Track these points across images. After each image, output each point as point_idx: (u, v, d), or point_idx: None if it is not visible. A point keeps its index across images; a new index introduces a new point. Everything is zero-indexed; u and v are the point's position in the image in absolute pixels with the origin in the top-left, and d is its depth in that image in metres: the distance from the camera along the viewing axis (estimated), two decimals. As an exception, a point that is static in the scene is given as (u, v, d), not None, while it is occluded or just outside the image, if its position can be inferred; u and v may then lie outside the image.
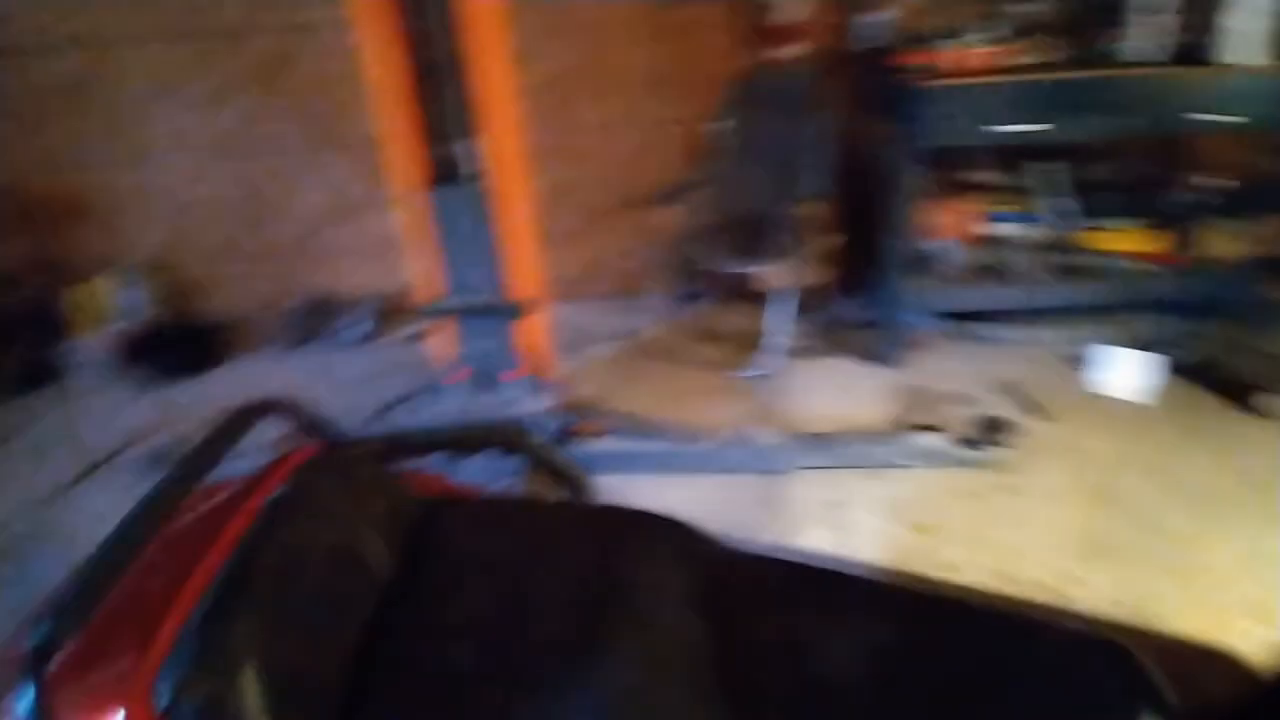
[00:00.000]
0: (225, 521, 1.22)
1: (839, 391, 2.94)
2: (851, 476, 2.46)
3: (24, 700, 0.86)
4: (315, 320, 3.74)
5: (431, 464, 2.08)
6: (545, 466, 1.92)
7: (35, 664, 0.87)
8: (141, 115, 3.49)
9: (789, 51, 3.24)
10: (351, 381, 3.34)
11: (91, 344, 3.54)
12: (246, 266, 3.80)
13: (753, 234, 2.98)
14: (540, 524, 1.57)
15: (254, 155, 3.59)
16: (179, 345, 3.60)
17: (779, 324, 2.96)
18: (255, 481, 1.35)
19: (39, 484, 2.86)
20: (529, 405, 2.58)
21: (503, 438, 1.96)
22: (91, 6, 3.29)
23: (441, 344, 2.74)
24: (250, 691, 0.97)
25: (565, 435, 2.62)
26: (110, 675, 1.02)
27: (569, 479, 1.85)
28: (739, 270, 2.98)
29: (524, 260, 2.55)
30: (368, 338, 3.72)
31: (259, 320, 3.84)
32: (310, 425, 1.51)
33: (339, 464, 1.43)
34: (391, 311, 3.78)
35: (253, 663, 1.00)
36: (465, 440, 2.03)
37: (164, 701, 0.94)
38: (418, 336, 3.50)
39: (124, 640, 1.05)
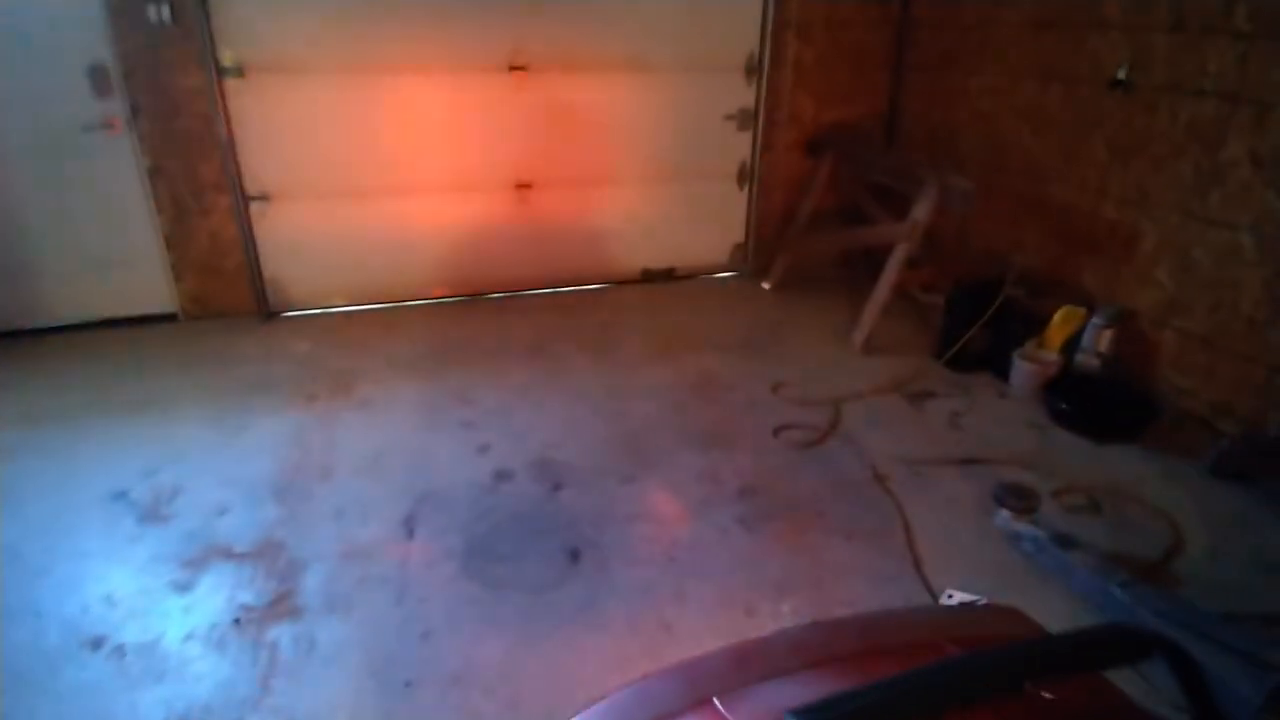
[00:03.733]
0: None
1: None
2: None
3: None
4: (1252, 459, 3.02)
5: None
6: None
7: None
8: (1226, 178, 3.19)
9: None
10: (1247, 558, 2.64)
11: (1036, 359, 3.68)
12: (1229, 363, 3.27)
13: None
14: None
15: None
16: (1102, 400, 3.42)
17: None
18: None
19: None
20: None
21: None
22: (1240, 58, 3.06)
23: None
24: None
25: None
26: None
27: None
28: None
29: None
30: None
31: (1201, 418, 3.34)
32: (1200, 698, 0.97)
33: None
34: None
35: None
36: None
37: None
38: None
39: None
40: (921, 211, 4.04)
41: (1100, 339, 3.55)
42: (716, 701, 0.97)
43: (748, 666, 1.08)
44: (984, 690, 0.86)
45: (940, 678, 0.84)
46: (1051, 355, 3.67)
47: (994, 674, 0.87)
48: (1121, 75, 3.58)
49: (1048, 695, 0.96)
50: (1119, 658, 0.92)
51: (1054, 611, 1.92)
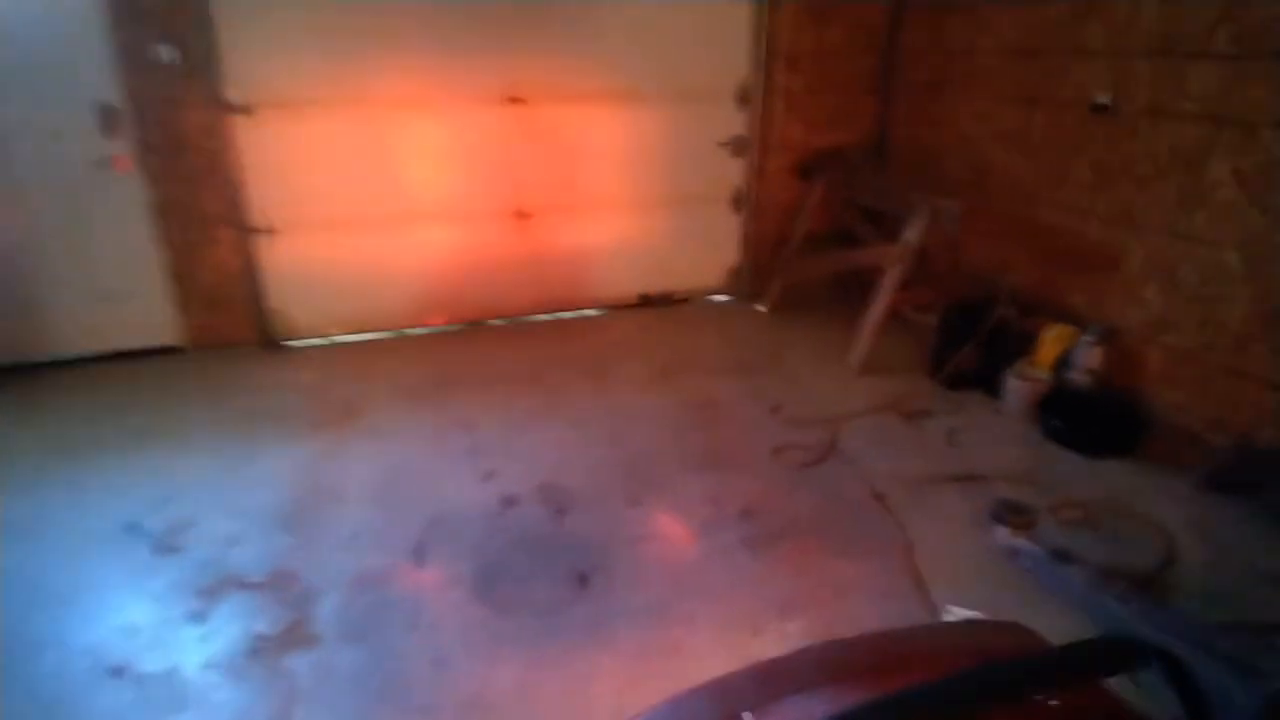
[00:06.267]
0: None
1: None
2: None
3: None
4: (1245, 472, 3.10)
5: None
6: None
7: None
8: (1210, 198, 3.30)
9: None
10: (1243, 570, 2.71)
11: (1026, 376, 3.77)
12: (1219, 378, 3.35)
13: None
14: None
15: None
16: (1094, 416, 3.50)
17: None
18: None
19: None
20: None
21: None
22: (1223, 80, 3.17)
23: None
24: None
25: None
26: None
27: None
28: None
29: None
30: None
31: (1193, 433, 3.42)
32: (1195, 703, 1.01)
33: None
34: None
35: None
36: None
37: None
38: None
39: None
40: (913, 234, 4.14)
41: (1090, 356, 3.64)
42: (747, 716, 1.03)
43: (771, 683, 1.14)
44: (994, 700, 0.93)
45: (953, 690, 0.91)
46: (1043, 373, 3.75)
47: (1003, 685, 0.94)
48: (1105, 100, 3.70)
49: (1054, 703, 1.03)
50: (1118, 667, 0.98)
51: (1053, 624, 1.96)
